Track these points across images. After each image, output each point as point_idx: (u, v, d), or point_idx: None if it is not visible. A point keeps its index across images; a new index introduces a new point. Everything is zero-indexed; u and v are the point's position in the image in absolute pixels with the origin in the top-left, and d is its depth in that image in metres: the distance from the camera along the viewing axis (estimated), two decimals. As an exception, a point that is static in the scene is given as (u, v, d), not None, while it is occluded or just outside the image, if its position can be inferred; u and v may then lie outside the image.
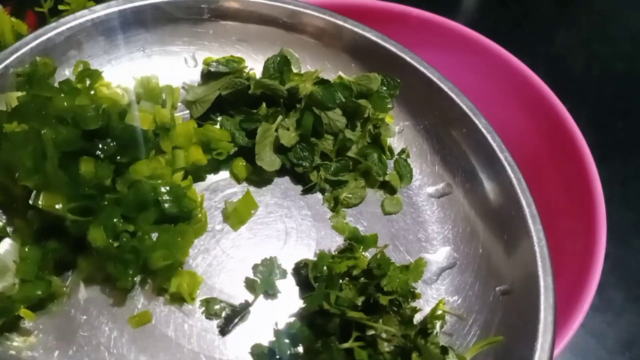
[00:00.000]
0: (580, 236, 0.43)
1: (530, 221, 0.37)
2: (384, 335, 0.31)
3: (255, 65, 0.42)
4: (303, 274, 0.35)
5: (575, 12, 0.76)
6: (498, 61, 0.49)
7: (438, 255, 0.39)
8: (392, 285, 0.32)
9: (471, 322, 0.36)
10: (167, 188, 0.33)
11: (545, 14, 0.76)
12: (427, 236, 0.40)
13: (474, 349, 0.34)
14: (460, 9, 0.75)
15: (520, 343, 0.33)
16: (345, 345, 0.31)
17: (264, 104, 0.40)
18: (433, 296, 0.38)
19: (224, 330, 0.33)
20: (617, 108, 0.68)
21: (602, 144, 0.64)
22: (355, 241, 0.37)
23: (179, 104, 0.41)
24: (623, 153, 0.64)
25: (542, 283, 0.35)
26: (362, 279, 0.34)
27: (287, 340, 0.33)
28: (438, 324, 0.33)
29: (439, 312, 0.33)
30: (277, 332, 0.33)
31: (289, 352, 0.32)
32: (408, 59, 0.42)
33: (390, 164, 0.42)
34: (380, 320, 0.32)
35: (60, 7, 0.41)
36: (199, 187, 0.38)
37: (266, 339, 0.33)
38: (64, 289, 0.32)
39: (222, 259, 0.36)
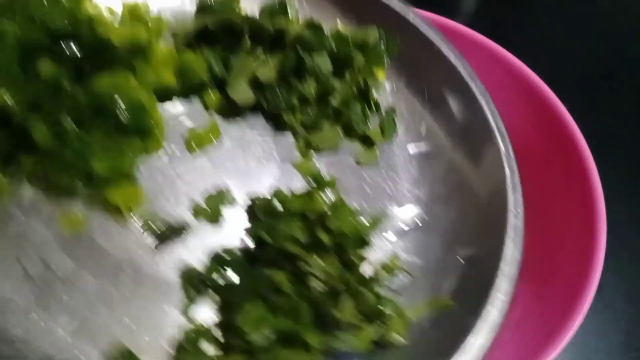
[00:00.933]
0: (580, 236, 0.43)
1: (511, 198, 0.36)
2: (318, 274, 0.29)
3: (252, 8, 0.40)
4: (254, 208, 0.34)
5: (576, 12, 0.76)
6: (498, 61, 0.49)
7: (404, 213, 0.38)
8: (340, 225, 0.31)
9: (424, 284, 0.34)
10: (127, 100, 0.32)
11: (545, 14, 0.76)
12: (398, 193, 0.38)
13: (419, 308, 0.32)
14: (460, 9, 0.75)
15: (468, 312, 0.32)
16: (272, 272, 0.29)
17: (247, 38, 0.38)
18: (389, 252, 0.35)
19: (158, 247, 0.32)
20: (618, 108, 0.68)
21: (602, 145, 0.64)
22: (315, 181, 0.35)
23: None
24: (623, 153, 0.64)
25: (507, 253, 0.34)
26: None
27: (219, 267, 0.31)
28: (385, 276, 0.32)
29: (388, 263, 0.32)
30: (210, 258, 0.32)
31: (219, 279, 0.31)
32: (410, 19, 0.41)
33: (375, 120, 0.40)
34: (319, 260, 0.30)
35: None
36: (166, 111, 0.36)
37: (200, 264, 0.32)
38: (8, 185, 0.31)
39: (172, 182, 0.34)
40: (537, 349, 0.39)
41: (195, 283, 0.31)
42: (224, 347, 0.29)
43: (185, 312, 0.31)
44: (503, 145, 0.38)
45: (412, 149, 0.40)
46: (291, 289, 0.29)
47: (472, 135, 0.39)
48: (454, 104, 0.40)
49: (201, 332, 0.29)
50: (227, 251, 0.32)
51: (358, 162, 0.39)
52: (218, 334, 0.30)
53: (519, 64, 0.48)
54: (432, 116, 0.41)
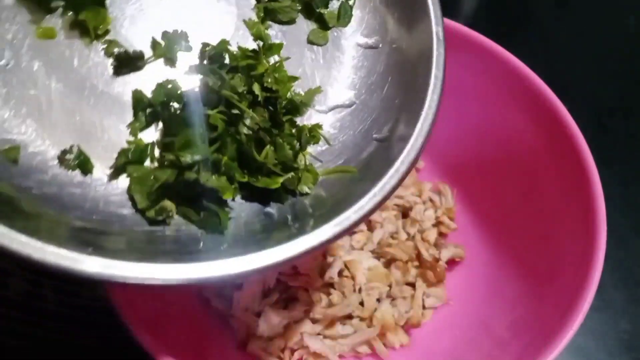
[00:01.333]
0: (580, 237, 0.43)
1: (430, 90, 0.38)
2: (248, 123, 0.34)
3: None
4: (204, 54, 0.37)
5: (575, 12, 0.76)
6: (498, 61, 0.49)
7: (339, 93, 0.40)
8: (276, 86, 0.35)
9: (340, 155, 0.38)
10: None
11: (545, 14, 0.76)
12: (338, 75, 0.41)
13: (326, 170, 0.37)
14: (460, 9, 0.75)
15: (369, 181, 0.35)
16: (209, 112, 0.33)
17: None
18: (315, 121, 0.39)
19: (116, 71, 0.35)
20: (618, 109, 0.68)
21: (603, 145, 0.64)
22: (263, 45, 0.38)
23: None
24: (623, 154, 0.64)
25: (413, 134, 0.36)
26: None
27: (163, 96, 0.34)
28: (305, 138, 0.36)
29: (310, 128, 0.37)
30: (159, 85, 0.35)
31: (163, 106, 0.34)
32: None
33: (335, 5, 0.42)
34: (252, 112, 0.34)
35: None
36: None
37: (150, 92, 0.35)
38: None
39: (138, 13, 0.37)
40: (537, 349, 0.39)
41: (144, 106, 0.35)
42: (160, 162, 0.34)
43: (133, 131, 0.34)
44: (436, 50, 0.39)
45: (360, 39, 0.42)
46: (224, 128, 0.33)
47: (413, 36, 0.41)
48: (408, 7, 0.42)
49: (142, 148, 0.34)
50: (172, 82, 0.35)
51: (309, 40, 0.41)
52: (157, 151, 0.34)
53: (519, 64, 0.48)
54: (389, 14, 0.42)
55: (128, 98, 0.35)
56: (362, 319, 0.48)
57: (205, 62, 0.37)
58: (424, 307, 0.50)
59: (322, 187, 0.36)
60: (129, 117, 0.35)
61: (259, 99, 0.35)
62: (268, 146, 0.35)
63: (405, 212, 0.55)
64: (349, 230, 0.33)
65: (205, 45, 0.37)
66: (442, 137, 0.52)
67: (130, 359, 0.38)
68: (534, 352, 0.39)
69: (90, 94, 0.34)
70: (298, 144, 0.36)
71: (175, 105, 0.35)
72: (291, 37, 0.41)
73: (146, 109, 0.35)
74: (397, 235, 0.53)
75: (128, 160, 0.33)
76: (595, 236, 0.42)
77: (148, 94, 0.35)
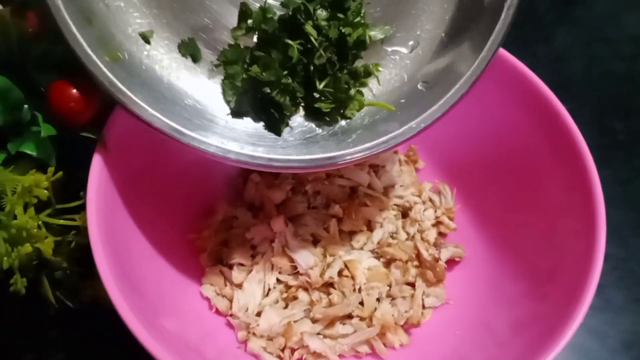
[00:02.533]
0: (580, 236, 0.43)
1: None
2: (317, 56, 0.41)
3: None
4: None
5: (575, 12, 0.76)
6: (498, 61, 0.49)
7: (403, 39, 0.45)
8: (350, 30, 0.42)
9: (391, 93, 0.45)
10: None
11: (545, 14, 0.76)
12: (413, 25, 0.45)
13: (370, 102, 0.44)
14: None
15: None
16: (290, 42, 0.41)
17: None
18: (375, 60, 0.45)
19: None
20: (617, 109, 0.68)
21: (602, 145, 0.64)
22: None
23: None
24: (623, 154, 0.64)
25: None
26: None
27: (261, 17, 0.42)
28: (361, 72, 0.43)
29: (370, 66, 0.44)
30: (260, 7, 0.42)
31: (259, 26, 0.42)
32: None
33: None
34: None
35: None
36: None
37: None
38: None
39: None
40: (537, 348, 0.39)
41: (246, 18, 0.42)
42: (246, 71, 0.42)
43: (234, 36, 0.43)
44: None
45: None
46: (298, 58, 0.41)
47: None
48: None
49: (239, 51, 0.42)
50: (270, 10, 0.42)
51: None
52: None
53: (519, 64, 0.48)
54: None
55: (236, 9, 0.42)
56: (362, 319, 0.48)
57: None
58: (423, 307, 0.50)
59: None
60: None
61: (332, 39, 0.41)
62: (329, 77, 0.42)
63: (405, 212, 0.55)
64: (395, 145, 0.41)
65: None
66: (442, 138, 0.52)
67: (131, 359, 0.38)
68: (534, 351, 0.39)
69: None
70: (352, 79, 0.43)
71: (268, 28, 0.41)
72: None
73: (247, 20, 0.42)
74: (397, 235, 0.53)
75: (226, 59, 0.42)
76: (595, 236, 0.42)
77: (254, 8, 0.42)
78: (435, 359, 0.48)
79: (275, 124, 0.42)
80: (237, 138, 0.41)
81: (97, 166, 0.40)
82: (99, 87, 0.38)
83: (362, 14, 0.43)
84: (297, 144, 0.42)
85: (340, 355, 0.47)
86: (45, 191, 0.39)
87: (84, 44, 0.37)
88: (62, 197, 0.41)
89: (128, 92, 0.38)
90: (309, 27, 0.41)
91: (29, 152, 0.40)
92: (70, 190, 0.42)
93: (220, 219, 0.52)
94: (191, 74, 0.42)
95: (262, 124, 0.43)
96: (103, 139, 0.41)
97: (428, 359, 0.48)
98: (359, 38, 0.42)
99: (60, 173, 0.40)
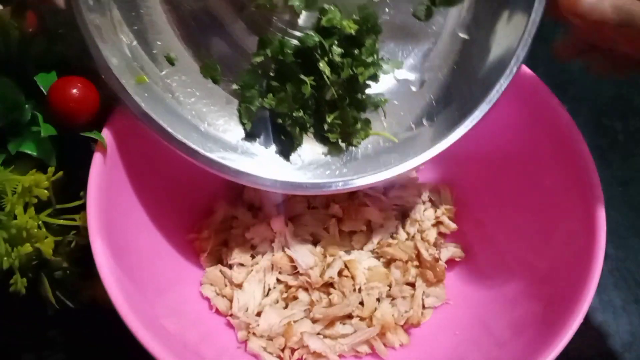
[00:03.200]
0: (579, 237, 0.43)
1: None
2: (328, 92, 0.44)
3: None
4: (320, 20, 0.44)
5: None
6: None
7: (410, 71, 0.47)
8: (362, 68, 0.43)
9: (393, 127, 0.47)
10: None
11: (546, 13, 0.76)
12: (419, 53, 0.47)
13: (375, 132, 0.47)
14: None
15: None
16: (304, 77, 0.43)
17: None
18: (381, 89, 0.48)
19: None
20: (617, 109, 0.68)
21: (602, 145, 0.64)
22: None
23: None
24: (623, 154, 0.64)
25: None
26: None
27: (279, 50, 0.43)
28: (366, 105, 0.46)
29: (374, 97, 0.46)
30: (280, 41, 0.44)
31: (276, 57, 0.43)
32: None
33: None
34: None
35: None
36: None
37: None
38: None
39: None
40: (537, 348, 0.39)
41: (265, 47, 0.44)
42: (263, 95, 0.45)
43: (254, 59, 0.44)
44: None
45: (457, 29, 0.46)
46: (310, 93, 0.43)
47: None
48: None
49: (255, 77, 0.45)
50: (288, 44, 0.44)
51: (414, 13, 0.45)
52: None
53: (519, 64, 0.48)
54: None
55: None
56: (362, 319, 0.48)
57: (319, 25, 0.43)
58: (423, 307, 0.50)
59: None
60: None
61: (344, 77, 0.44)
62: (337, 112, 0.45)
63: (405, 212, 0.55)
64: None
65: (323, 11, 0.43)
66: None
67: (131, 359, 0.38)
68: (534, 351, 0.39)
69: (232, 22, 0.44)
70: (359, 112, 0.45)
71: (285, 59, 0.43)
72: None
73: (266, 49, 0.43)
74: (397, 235, 0.53)
75: (244, 84, 0.44)
76: (595, 236, 0.42)
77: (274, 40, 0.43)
78: (435, 359, 0.48)
79: (286, 150, 0.46)
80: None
81: (97, 166, 0.40)
82: (137, 117, 0.41)
83: (375, 53, 0.44)
84: (307, 166, 0.46)
85: (340, 355, 0.47)
86: (45, 191, 0.39)
87: (115, 70, 0.40)
88: (62, 197, 0.41)
89: (160, 122, 0.41)
90: (323, 65, 0.43)
91: (29, 152, 0.40)
92: (70, 190, 0.42)
93: (220, 219, 0.52)
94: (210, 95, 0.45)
95: (273, 147, 0.46)
96: (103, 139, 0.41)
97: (428, 359, 0.48)
98: (370, 76, 0.44)
99: (60, 173, 0.40)
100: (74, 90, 0.40)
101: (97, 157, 0.41)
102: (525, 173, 0.50)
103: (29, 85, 0.41)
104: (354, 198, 0.54)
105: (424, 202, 0.55)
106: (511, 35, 0.42)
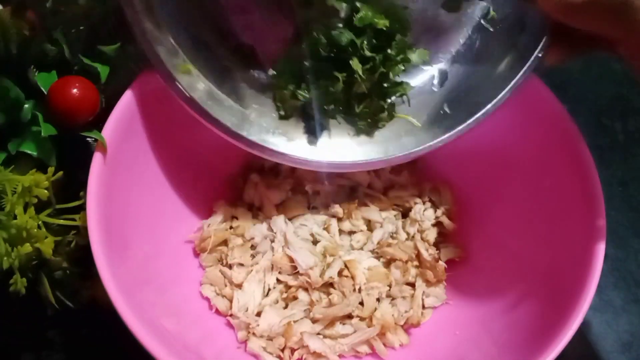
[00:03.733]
0: (580, 237, 0.43)
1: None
2: (358, 87, 0.46)
3: None
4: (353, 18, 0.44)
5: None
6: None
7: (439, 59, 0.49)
8: (393, 64, 0.46)
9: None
10: None
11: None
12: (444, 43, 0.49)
13: (399, 115, 0.49)
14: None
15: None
16: (337, 74, 0.45)
17: None
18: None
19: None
20: (617, 109, 0.68)
21: (602, 145, 0.64)
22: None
23: None
24: (622, 154, 0.64)
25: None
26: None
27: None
28: (391, 92, 0.48)
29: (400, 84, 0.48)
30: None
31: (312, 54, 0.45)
32: None
33: None
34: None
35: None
36: None
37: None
38: None
39: None
40: (537, 348, 0.39)
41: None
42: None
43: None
44: None
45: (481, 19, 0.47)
46: (342, 87, 0.46)
47: None
48: None
49: (294, 64, 0.46)
50: (320, 41, 0.45)
51: (443, 4, 0.47)
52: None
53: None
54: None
55: None
56: (362, 319, 0.48)
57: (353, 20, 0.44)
58: (423, 307, 0.50)
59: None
60: None
61: (376, 74, 0.45)
62: (366, 101, 0.47)
63: (405, 212, 0.55)
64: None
65: (356, 9, 0.44)
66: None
67: (131, 359, 0.38)
68: (534, 351, 0.39)
69: None
70: (385, 100, 0.48)
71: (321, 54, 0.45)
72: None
73: (302, 41, 0.45)
74: (396, 235, 0.53)
75: (280, 70, 0.47)
76: (595, 236, 0.42)
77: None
78: (435, 359, 0.48)
79: (314, 133, 0.48)
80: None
81: (97, 166, 0.40)
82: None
83: (406, 47, 0.46)
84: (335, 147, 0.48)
85: (340, 355, 0.47)
86: (45, 191, 0.39)
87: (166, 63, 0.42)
88: (62, 197, 0.41)
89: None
90: (355, 64, 0.44)
91: (29, 152, 0.40)
92: (70, 190, 0.42)
93: (220, 219, 0.52)
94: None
95: (305, 130, 0.48)
96: (103, 139, 0.41)
97: (428, 359, 0.48)
98: (399, 70, 0.47)
99: (60, 173, 0.40)
100: (74, 90, 0.40)
101: (97, 157, 0.41)
102: (525, 173, 0.50)
103: (29, 85, 0.41)
104: (354, 198, 0.54)
105: (424, 202, 0.55)
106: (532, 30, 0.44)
